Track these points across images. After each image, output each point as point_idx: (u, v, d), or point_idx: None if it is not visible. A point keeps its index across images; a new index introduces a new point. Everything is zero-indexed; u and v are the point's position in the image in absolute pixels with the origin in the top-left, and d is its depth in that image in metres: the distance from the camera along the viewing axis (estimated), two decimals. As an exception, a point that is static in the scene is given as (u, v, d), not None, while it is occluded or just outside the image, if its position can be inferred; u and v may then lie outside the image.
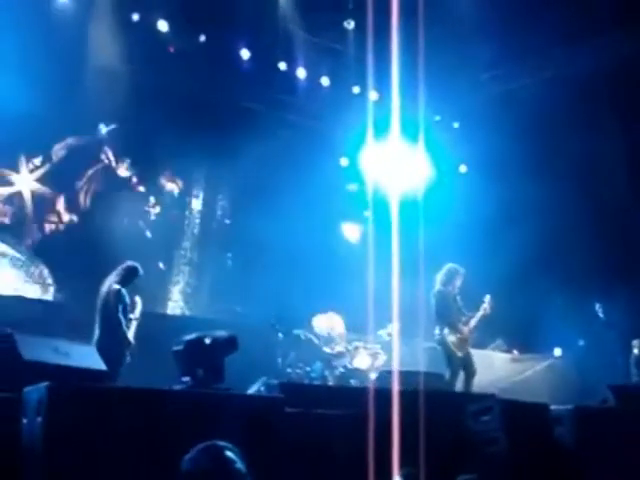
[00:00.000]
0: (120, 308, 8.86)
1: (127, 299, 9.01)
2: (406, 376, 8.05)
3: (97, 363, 6.40)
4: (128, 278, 9.08)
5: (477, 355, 10.45)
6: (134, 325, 9.04)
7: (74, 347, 6.55)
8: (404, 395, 5.25)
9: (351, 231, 14.93)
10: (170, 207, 13.44)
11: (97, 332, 8.77)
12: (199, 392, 5.98)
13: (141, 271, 9.21)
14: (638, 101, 12.07)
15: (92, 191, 12.62)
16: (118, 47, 11.77)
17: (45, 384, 5.10)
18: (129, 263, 9.22)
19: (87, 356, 6.45)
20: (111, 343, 8.60)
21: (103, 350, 7.35)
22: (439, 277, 10.05)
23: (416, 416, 5.75)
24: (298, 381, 10.25)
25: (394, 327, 10.11)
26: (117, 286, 8.93)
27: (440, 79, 11.59)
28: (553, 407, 7.27)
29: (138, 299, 9.22)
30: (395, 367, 9.41)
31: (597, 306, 10.71)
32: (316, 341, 10.99)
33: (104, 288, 8.99)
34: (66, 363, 6.12)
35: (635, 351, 11.03)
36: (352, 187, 14.37)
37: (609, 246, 12.85)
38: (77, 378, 5.90)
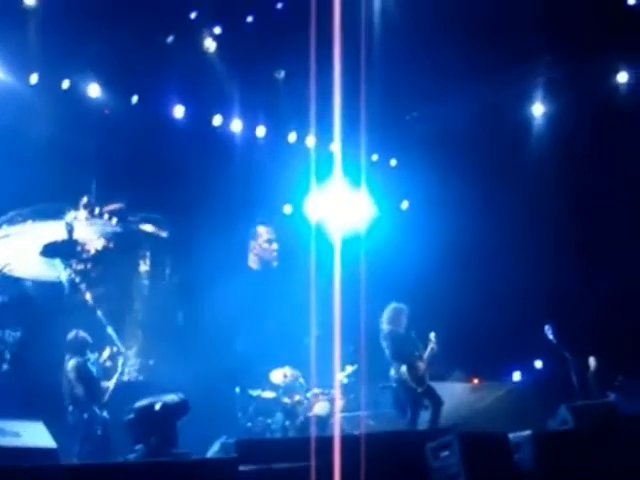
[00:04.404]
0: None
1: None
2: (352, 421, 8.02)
3: (46, 440, 6.28)
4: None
5: (438, 387, 10.49)
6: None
7: (23, 425, 6.43)
8: (352, 441, 5.25)
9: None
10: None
11: None
12: (150, 461, 5.91)
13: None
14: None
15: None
16: (55, 116, 11.66)
17: (-10, 469, 4.99)
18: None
19: (36, 434, 6.33)
20: None
21: None
22: (384, 317, 10.12)
23: (375, 460, 5.74)
24: (259, 435, 10.15)
25: (346, 371, 10.11)
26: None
27: (372, 119, 11.76)
28: (511, 435, 7.32)
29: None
30: (338, 414, 9.41)
31: (546, 327, 10.81)
32: (274, 394, 10.91)
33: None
34: (14, 444, 6.01)
35: (591, 368, 11.15)
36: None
37: (560, 272, 13.00)
38: (26, 458, 5.79)
